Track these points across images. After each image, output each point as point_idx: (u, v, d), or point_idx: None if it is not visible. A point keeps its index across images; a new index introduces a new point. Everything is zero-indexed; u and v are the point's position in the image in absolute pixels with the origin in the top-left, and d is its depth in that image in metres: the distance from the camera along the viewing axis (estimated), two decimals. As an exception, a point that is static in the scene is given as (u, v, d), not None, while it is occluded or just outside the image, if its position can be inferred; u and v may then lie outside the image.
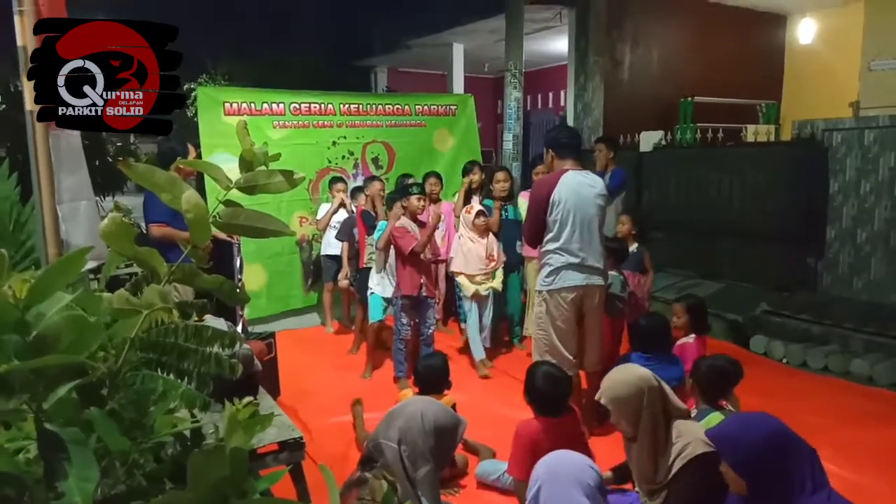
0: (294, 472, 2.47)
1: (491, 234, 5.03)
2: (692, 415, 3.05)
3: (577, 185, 3.48)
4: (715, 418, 2.81)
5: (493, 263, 4.99)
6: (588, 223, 3.47)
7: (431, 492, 2.49)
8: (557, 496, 1.98)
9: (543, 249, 3.55)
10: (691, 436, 2.24)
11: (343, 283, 5.61)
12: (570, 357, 3.49)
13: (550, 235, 3.49)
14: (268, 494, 0.94)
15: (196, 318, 1.10)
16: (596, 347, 3.64)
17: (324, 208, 5.82)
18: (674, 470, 2.20)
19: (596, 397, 2.41)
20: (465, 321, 5.20)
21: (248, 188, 1.15)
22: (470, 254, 4.95)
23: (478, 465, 3.21)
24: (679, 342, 3.75)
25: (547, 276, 3.51)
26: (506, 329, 5.56)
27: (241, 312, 4.48)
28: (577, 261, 3.45)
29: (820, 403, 4.19)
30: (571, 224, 3.44)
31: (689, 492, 2.18)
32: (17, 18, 2.19)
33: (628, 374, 2.38)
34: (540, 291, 3.58)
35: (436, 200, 5.58)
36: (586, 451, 2.78)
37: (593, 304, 3.54)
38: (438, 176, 5.75)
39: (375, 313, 4.90)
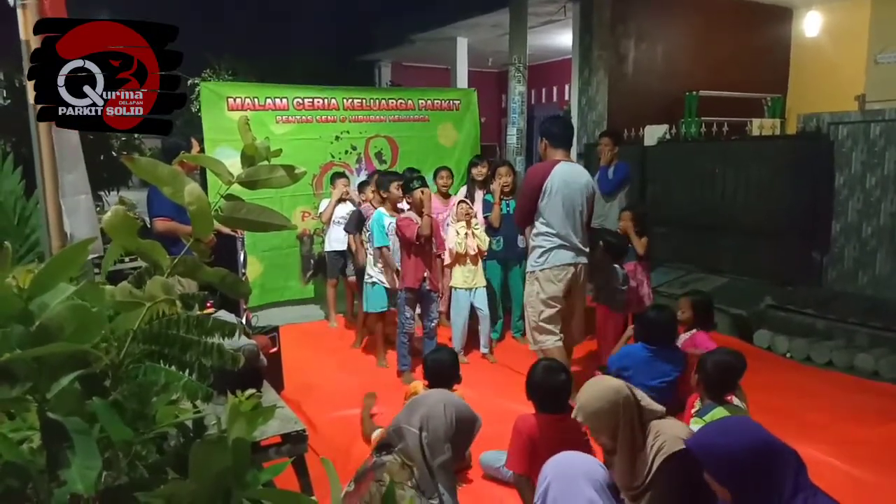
0: (297, 464, 2.48)
1: (475, 224, 5.06)
2: (696, 409, 3.05)
3: (568, 175, 3.80)
4: (719, 413, 2.80)
5: (476, 253, 5.05)
6: (575, 210, 3.79)
7: (448, 480, 2.51)
8: (567, 490, 1.97)
9: (535, 233, 3.85)
10: (667, 434, 2.23)
11: (351, 279, 5.63)
12: (551, 328, 3.85)
13: (542, 220, 3.80)
14: (270, 486, 0.94)
15: (206, 312, 1.11)
16: (580, 321, 4.09)
17: (325, 204, 5.82)
18: (653, 469, 2.19)
19: (573, 415, 2.40)
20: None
21: (250, 183, 1.15)
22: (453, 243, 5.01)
23: (482, 454, 3.22)
24: (688, 334, 3.73)
25: (539, 258, 3.82)
26: (508, 323, 5.56)
27: (244, 306, 4.50)
28: (566, 243, 3.78)
29: (824, 399, 4.18)
30: (561, 210, 3.75)
31: (670, 490, 2.18)
32: (19, 12, 2.19)
33: (601, 389, 2.33)
34: (532, 272, 3.89)
35: (446, 195, 5.59)
36: (588, 451, 2.78)
37: (579, 281, 3.90)
38: (450, 170, 5.76)
39: (375, 303, 4.90)
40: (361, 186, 5.72)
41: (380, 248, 4.76)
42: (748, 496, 1.76)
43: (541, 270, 3.80)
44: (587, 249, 3.92)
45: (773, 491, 1.72)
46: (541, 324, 3.84)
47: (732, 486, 1.78)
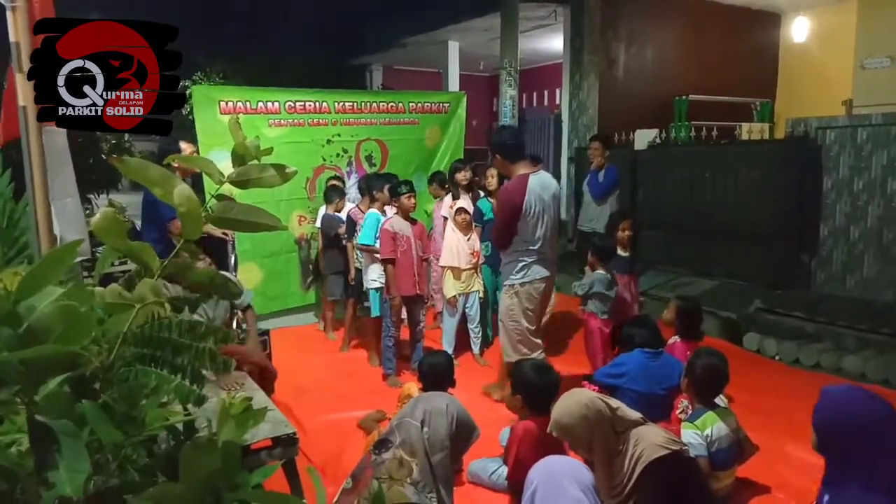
0: (287, 467, 2.47)
1: (474, 231, 5.05)
2: (682, 412, 3.06)
3: (541, 188, 3.75)
4: (710, 417, 2.81)
5: (475, 259, 5.02)
6: (550, 221, 3.81)
7: (445, 478, 2.52)
8: (553, 491, 1.98)
9: (514, 249, 3.81)
10: (647, 441, 2.24)
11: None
12: (538, 341, 3.88)
13: (524, 237, 3.75)
14: (260, 489, 0.94)
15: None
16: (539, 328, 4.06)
17: (322, 210, 5.71)
18: (634, 477, 2.21)
19: (548, 429, 2.42)
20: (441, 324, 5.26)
21: (241, 182, 1.15)
22: (457, 248, 4.96)
23: (469, 464, 3.21)
24: (668, 342, 3.71)
25: (518, 271, 3.80)
26: (495, 327, 5.56)
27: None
28: (543, 256, 3.80)
29: (812, 400, 4.16)
30: (541, 225, 3.74)
31: (651, 496, 2.19)
32: (9, 14, 2.18)
33: (572, 404, 2.35)
34: (512, 285, 3.85)
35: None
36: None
37: (549, 291, 3.99)
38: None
39: (378, 307, 4.85)
40: (329, 195, 5.57)
41: (366, 245, 4.72)
42: (838, 462, 1.92)
43: (520, 284, 3.78)
44: (556, 259, 3.97)
45: (864, 473, 1.87)
46: (529, 337, 3.82)
47: (822, 446, 1.93)
